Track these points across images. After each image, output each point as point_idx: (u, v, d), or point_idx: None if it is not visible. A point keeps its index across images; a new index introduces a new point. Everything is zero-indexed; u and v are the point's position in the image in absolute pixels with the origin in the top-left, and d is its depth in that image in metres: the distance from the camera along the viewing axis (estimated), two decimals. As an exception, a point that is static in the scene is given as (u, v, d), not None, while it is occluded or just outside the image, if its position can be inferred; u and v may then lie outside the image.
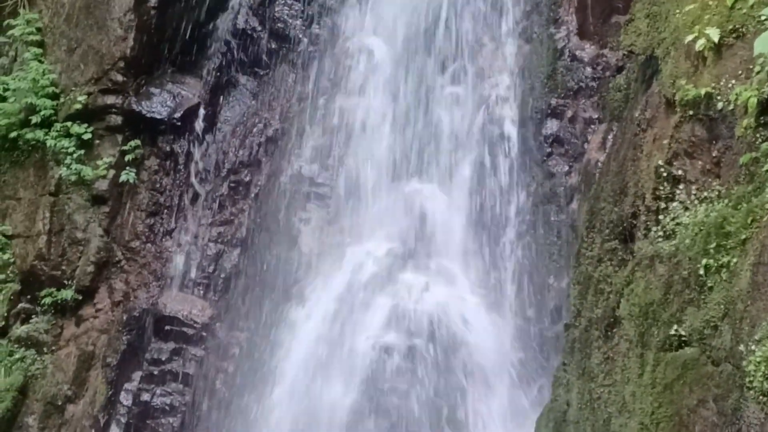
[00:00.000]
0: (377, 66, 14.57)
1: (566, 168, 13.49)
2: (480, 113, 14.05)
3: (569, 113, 13.63)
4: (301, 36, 15.02)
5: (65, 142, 14.42)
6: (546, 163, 13.58)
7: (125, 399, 13.79)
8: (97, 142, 14.57)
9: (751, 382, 6.96)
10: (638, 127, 9.67)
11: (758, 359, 6.90)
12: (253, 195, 14.60)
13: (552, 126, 13.68)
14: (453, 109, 14.12)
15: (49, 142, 14.44)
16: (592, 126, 13.41)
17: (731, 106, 8.15)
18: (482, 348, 13.08)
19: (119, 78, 14.50)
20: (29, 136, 14.58)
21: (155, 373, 13.82)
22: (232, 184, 14.63)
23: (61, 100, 14.64)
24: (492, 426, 12.65)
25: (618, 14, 13.31)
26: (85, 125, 14.46)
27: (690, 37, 8.66)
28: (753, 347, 6.99)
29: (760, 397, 6.88)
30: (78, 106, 14.44)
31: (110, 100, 14.54)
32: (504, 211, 13.60)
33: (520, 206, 13.55)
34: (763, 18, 8.03)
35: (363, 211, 14.03)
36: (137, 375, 13.88)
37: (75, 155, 14.41)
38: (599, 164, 11.88)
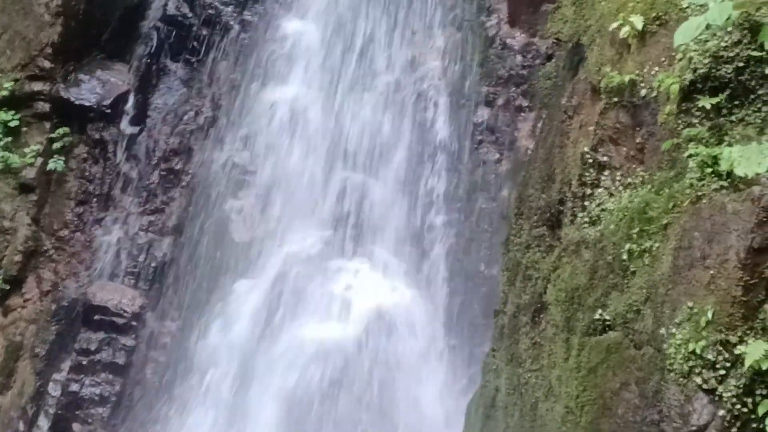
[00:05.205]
0: (308, 53, 14.53)
1: (497, 156, 13.58)
2: (411, 101, 14.08)
3: (500, 101, 13.71)
4: (232, 23, 14.93)
5: (-9, 130, 14.20)
6: (477, 151, 13.65)
7: (54, 390, 13.61)
8: (25, 129, 14.33)
9: (671, 364, 7.05)
10: (565, 114, 9.72)
11: (678, 342, 6.99)
12: (184, 183, 14.48)
13: (483, 114, 13.75)
14: (384, 97, 14.13)
15: (-25, 130, 14.21)
16: (523, 114, 13.51)
17: (654, 93, 8.21)
18: (414, 335, 13.12)
19: (47, 64, 14.27)
20: (-46, 123, 14.33)
21: (84, 363, 13.65)
22: (163, 172, 14.49)
23: (-13, 86, 14.40)
24: (424, 412, 12.69)
25: (548, 2, 13.30)
26: (12, 112, 14.22)
27: (615, 25, 8.70)
28: (673, 330, 7.07)
29: (680, 379, 6.96)
30: (4, 92, 14.19)
31: (37, 86, 14.31)
32: (435, 199, 13.65)
33: (452, 194, 13.60)
34: (684, 5, 8.11)
35: (295, 199, 13.99)
36: (66, 365, 13.70)
37: (2, 143, 14.17)
38: (529, 152, 11.95)
